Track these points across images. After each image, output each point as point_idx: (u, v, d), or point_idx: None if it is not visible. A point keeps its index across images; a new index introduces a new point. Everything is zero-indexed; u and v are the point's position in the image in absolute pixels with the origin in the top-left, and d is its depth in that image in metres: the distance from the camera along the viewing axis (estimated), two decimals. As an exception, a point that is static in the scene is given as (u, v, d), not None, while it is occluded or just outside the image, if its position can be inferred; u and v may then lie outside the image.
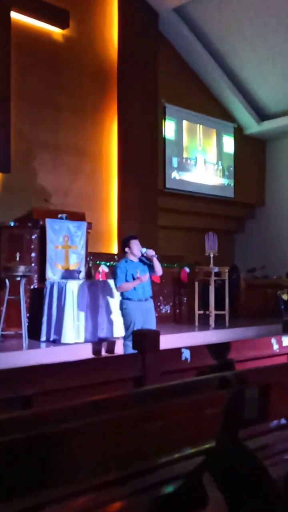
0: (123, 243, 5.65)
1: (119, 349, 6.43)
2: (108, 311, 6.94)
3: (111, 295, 6.95)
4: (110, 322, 6.93)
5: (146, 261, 5.58)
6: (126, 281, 5.47)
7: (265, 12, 10.81)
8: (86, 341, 6.71)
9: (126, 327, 5.53)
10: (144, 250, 5.47)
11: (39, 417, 1.52)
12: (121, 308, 5.61)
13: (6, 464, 1.18)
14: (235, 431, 1.79)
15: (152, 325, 5.45)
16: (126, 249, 5.55)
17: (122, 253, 5.72)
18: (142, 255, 5.51)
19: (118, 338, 6.69)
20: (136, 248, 5.51)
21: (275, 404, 1.93)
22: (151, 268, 5.56)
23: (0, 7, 9.03)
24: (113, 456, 1.42)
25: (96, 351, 6.54)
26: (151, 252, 5.45)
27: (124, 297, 5.54)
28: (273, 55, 11.66)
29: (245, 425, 1.88)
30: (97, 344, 6.65)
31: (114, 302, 6.97)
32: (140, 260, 5.58)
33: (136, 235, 5.77)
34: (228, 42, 11.89)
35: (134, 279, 5.43)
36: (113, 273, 5.71)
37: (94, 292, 6.85)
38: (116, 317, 6.93)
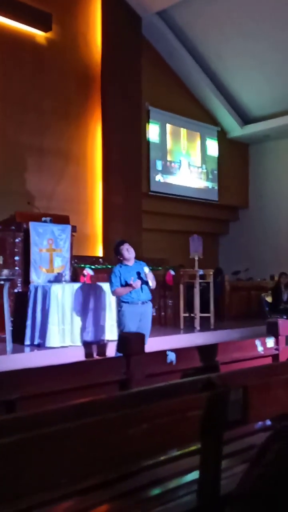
0: (114, 251, 5.68)
1: (110, 352, 6.40)
2: (95, 314, 6.91)
3: (97, 298, 6.94)
4: (97, 325, 6.90)
5: (141, 270, 5.55)
6: (121, 285, 5.47)
7: (248, 16, 10.90)
8: (71, 345, 6.67)
9: (121, 329, 5.53)
10: (147, 270, 5.48)
11: (22, 422, 1.51)
12: (117, 310, 5.66)
13: (-11, 470, 1.17)
14: (219, 432, 1.79)
15: (145, 329, 5.44)
16: (119, 257, 5.57)
17: (116, 259, 5.72)
18: (145, 274, 5.48)
19: (109, 341, 6.66)
20: (126, 253, 5.52)
21: (260, 405, 1.94)
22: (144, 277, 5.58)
23: (-17, 10, 8.98)
24: (97, 460, 1.41)
25: (86, 354, 6.50)
26: (150, 276, 5.48)
27: (121, 299, 5.56)
28: (256, 59, 11.77)
29: (230, 427, 1.89)
30: (86, 347, 6.62)
31: (101, 305, 6.95)
32: (135, 265, 5.57)
33: (124, 239, 5.78)
34: (211, 46, 11.96)
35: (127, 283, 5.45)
36: (109, 278, 5.74)
37: (79, 296, 6.82)
38: (106, 320, 6.92)
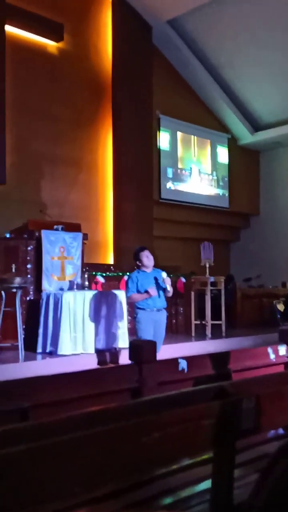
0: (134, 256, 5.69)
1: (121, 360, 6.40)
2: (107, 322, 6.92)
3: (108, 306, 6.94)
4: (108, 333, 6.91)
5: (159, 277, 5.57)
6: (138, 291, 5.49)
7: (258, 24, 10.93)
8: (83, 353, 6.68)
9: (137, 336, 5.55)
10: (164, 275, 5.49)
11: (35, 430, 1.51)
12: (133, 317, 5.68)
13: (1, 478, 1.17)
14: (232, 441, 1.78)
15: (159, 337, 5.45)
16: (138, 262, 5.58)
17: (134, 265, 5.74)
18: (162, 280, 5.50)
19: (122, 348, 6.66)
20: (146, 260, 5.54)
21: (273, 413, 1.93)
22: (161, 286, 5.60)
23: (-5, 21, 9.10)
24: (109, 469, 1.41)
25: (99, 362, 6.50)
26: (168, 281, 5.49)
27: (136, 306, 5.59)
28: (266, 66, 11.78)
29: (242, 435, 1.88)
30: (98, 355, 6.62)
31: (112, 312, 6.95)
32: (153, 273, 5.59)
33: (145, 246, 5.79)
34: (222, 53, 12.00)
35: (146, 290, 5.46)
36: (125, 284, 5.75)
37: (91, 303, 6.83)
38: (118, 327, 6.92)
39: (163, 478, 1.86)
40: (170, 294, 5.69)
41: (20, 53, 9.68)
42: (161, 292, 5.59)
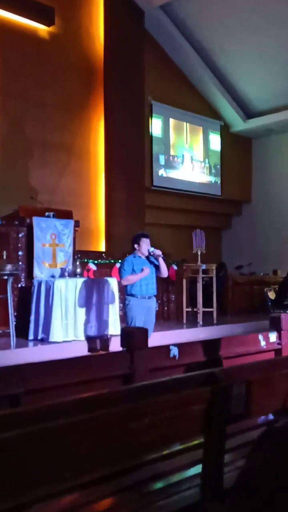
0: (134, 239, 5.72)
1: (113, 347, 6.42)
2: (98, 309, 6.93)
3: (100, 293, 6.95)
4: (100, 320, 6.92)
5: (153, 261, 5.65)
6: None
7: (251, 10, 10.84)
8: (74, 340, 6.70)
9: (127, 323, 5.57)
10: (152, 249, 5.57)
11: (26, 416, 1.52)
12: (124, 304, 5.70)
13: (-7, 463, 1.18)
14: (222, 426, 1.80)
15: (150, 324, 5.49)
16: (135, 246, 5.61)
17: (131, 249, 5.77)
18: (150, 254, 5.57)
19: (113, 335, 6.68)
20: (145, 247, 5.59)
21: (262, 399, 1.94)
22: (157, 268, 5.65)
23: (-15, 4, 8.95)
24: (100, 454, 1.42)
25: (89, 349, 6.53)
26: (157, 252, 5.58)
27: (127, 293, 5.62)
28: (259, 53, 11.71)
29: (233, 421, 1.89)
30: (89, 342, 6.64)
31: (104, 299, 6.97)
32: (148, 260, 5.65)
33: (147, 234, 5.81)
34: (214, 39, 11.90)
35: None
36: (120, 267, 5.79)
37: (82, 290, 6.84)
38: (110, 314, 6.94)
39: (154, 463, 1.88)
40: (164, 272, 5.70)
41: (10, 37, 9.54)
42: (153, 279, 5.63)
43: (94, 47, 10.98)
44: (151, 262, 5.68)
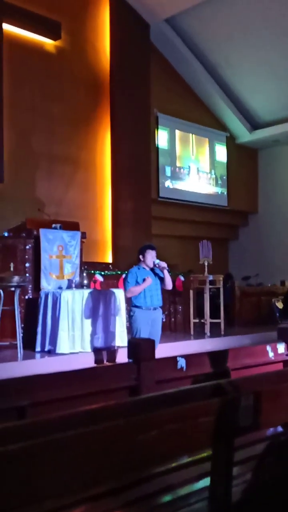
0: (140, 250, 5.74)
1: (120, 359, 6.40)
2: (105, 320, 6.91)
3: (107, 304, 6.94)
4: (107, 332, 6.91)
5: (158, 273, 5.65)
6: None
7: (256, 22, 10.92)
8: (81, 351, 6.68)
9: (132, 335, 5.56)
10: (157, 261, 5.57)
11: (33, 428, 1.51)
12: (129, 316, 5.70)
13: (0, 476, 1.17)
14: (230, 439, 1.78)
15: (156, 335, 5.48)
16: (140, 257, 5.62)
17: (137, 260, 5.78)
18: (155, 265, 5.57)
19: (119, 347, 6.67)
20: (150, 258, 5.60)
21: (271, 411, 1.93)
22: (161, 280, 5.65)
23: (-8, 19, 9.08)
24: (108, 466, 1.41)
25: (96, 360, 6.51)
26: (162, 264, 5.59)
27: (132, 304, 5.62)
28: (265, 64, 11.77)
29: (241, 433, 1.87)
30: (95, 353, 6.62)
31: (111, 311, 6.95)
32: (153, 272, 5.65)
33: (154, 246, 5.82)
34: (220, 52, 11.99)
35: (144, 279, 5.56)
36: (124, 278, 5.80)
37: (89, 302, 6.83)
38: (117, 326, 6.92)
39: (162, 476, 1.86)
40: (168, 284, 5.69)
41: (18, 51, 9.66)
42: (158, 291, 5.62)
43: (100, 60, 11.08)
44: (156, 274, 5.67)
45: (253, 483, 0.80)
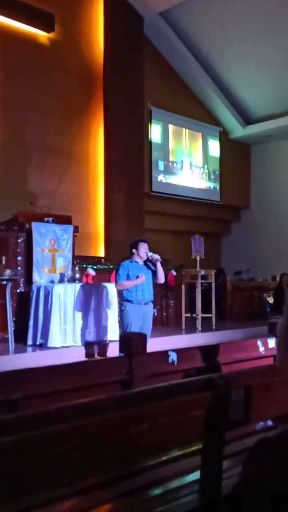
0: (132, 244, 5.74)
1: (111, 353, 6.41)
2: (96, 314, 6.92)
3: (99, 298, 6.94)
4: (99, 326, 6.91)
5: (151, 267, 5.65)
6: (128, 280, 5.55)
7: (250, 17, 10.90)
8: (73, 345, 6.69)
9: (123, 329, 5.56)
10: (150, 253, 5.57)
11: (24, 421, 1.51)
12: (120, 310, 5.69)
13: (-9, 469, 1.17)
14: (221, 432, 1.79)
15: (147, 329, 5.48)
16: (134, 250, 5.63)
17: (129, 255, 5.77)
18: (148, 258, 5.58)
19: (111, 341, 6.67)
20: (143, 251, 5.60)
21: (261, 405, 1.94)
22: (154, 274, 5.65)
23: (-15, 10, 8.99)
24: (98, 459, 1.41)
25: (87, 354, 6.52)
26: (156, 256, 5.59)
27: (123, 298, 5.61)
28: (258, 59, 11.76)
29: (231, 427, 1.89)
30: (87, 347, 6.63)
31: (103, 305, 6.96)
32: (146, 265, 5.65)
33: (146, 239, 5.83)
34: (213, 46, 11.96)
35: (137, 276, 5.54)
36: (116, 271, 5.79)
37: (81, 296, 6.83)
38: (108, 320, 6.93)
39: (152, 469, 1.87)
40: (161, 277, 5.69)
41: (10, 43, 9.58)
42: (149, 285, 5.63)
43: (93, 53, 11.02)
44: (148, 268, 5.68)
45: (243, 476, 0.80)
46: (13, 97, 9.58)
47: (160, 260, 5.62)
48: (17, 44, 9.70)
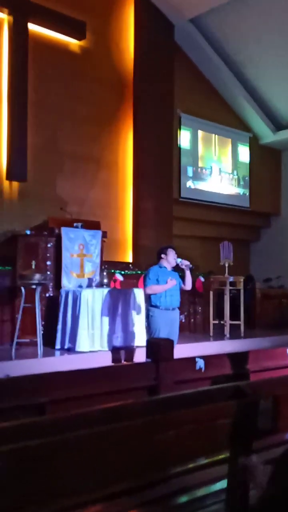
0: (160, 250, 5.76)
1: (138, 358, 6.41)
2: (124, 320, 6.93)
3: (126, 303, 6.95)
4: (126, 331, 6.92)
5: (178, 273, 5.66)
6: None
7: (280, 21, 10.81)
8: (101, 350, 6.71)
9: (151, 335, 5.56)
10: (179, 260, 5.57)
11: (51, 425, 1.52)
12: (148, 315, 5.70)
13: (19, 471, 1.18)
14: (249, 441, 1.77)
15: (174, 336, 5.46)
16: (162, 256, 5.64)
17: (157, 260, 5.79)
18: (177, 264, 5.58)
19: (138, 346, 6.67)
20: (172, 256, 5.60)
21: (290, 415, 1.90)
22: (182, 280, 5.64)
23: (18, 19, 9.15)
24: (125, 465, 1.41)
25: (114, 359, 6.53)
26: (186, 262, 5.57)
27: (151, 304, 5.61)
28: (289, 64, 11.65)
29: (259, 436, 1.86)
30: (114, 352, 6.64)
31: (130, 310, 6.96)
32: (173, 271, 5.66)
33: (173, 246, 5.83)
34: (244, 52, 11.90)
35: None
36: (145, 275, 5.81)
37: (109, 301, 6.86)
38: (136, 325, 6.93)
39: (179, 476, 1.86)
40: (188, 284, 5.68)
41: (43, 51, 9.74)
42: (177, 291, 5.62)
43: (124, 60, 11.10)
44: (176, 274, 5.67)
45: (270, 487, 0.79)
46: (46, 105, 9.72)
47: (191, 265, 5.60)
48: (49, 52, 9.85)
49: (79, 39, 10.21)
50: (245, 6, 10.71)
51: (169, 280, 5.51)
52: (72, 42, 10.25)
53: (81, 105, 10.23)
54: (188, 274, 5.63)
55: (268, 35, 11.19)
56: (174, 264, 5.62)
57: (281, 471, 0.80)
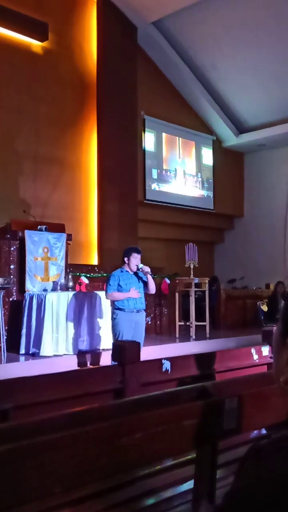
0: (125, 252, 5.69)
1: (104, 361, 6.38)
2: (90, 323, 6.89)
3: (92, 307, 6.92)
4: (92, 334, 6.88)
5: (142, 277, 5.62)
6: (118, 290, 5.50)
7: (242, 26, 10.99)
8: (66, 354, 6.65)
9: (115, 337, 5.53)
10: (140, 265, 5.53)
11: (15, 430, 1.49)
12: (112, 318, 5.65)
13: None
14: (215, 441, 1.78)
15: (140, 338, 5.44)
16: (125, 259, 5.59)
17: (121, 262, 5.74)
18: (138, 269, 5.55)
19: (104, 349, 6.64)
20: (134, 262, 5.56)
21: (255, 414, 1.93)
22: (144, 284, 5.62)
23: (-21, 19, 9.02)
24: (91, 469, 1.40)
25: (80, 363, 6.48)
26: (146, 269, 5.54)
27: (115, 307, 5.58)
28: (252, 68, 11.85)
29: (225, 436, 1.87)
30: (80, 356, 6.59)
31: (96, 313, 6.93)
32: (136, 275, 5.61)
33: (139, 250, 5.78)
34: (206, 55, 12.04)
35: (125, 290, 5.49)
36: (106, 281, 5.75)
37: (74, 304, 6.80)
38: (102, 328, 6.90)
39: (145, 479, 1.86)
40: (152, 289, 5.67)
41: (4, 51, 9.61)
42: (141, 293, 5.61)
43: (87, 61, 11.07)
44: (139, 278, 5.64)
45: (237, 486, 0.79)
46: (6, 105, 9.59)
47: (150, 272, 5.60)
48: (10, 52, 9.73)
49: (41, 40, 10.12)
50: (207, 10, 10.84)
51: (132, 290, 5.48)
52: (34, 44, 10.15)
53: (43, 106, 10.14)
54: (150, 279, 5.62)
55: (229, 38, 11.36)
56: (135, 270, 5.61)
57: (245, 469, 0.81)
